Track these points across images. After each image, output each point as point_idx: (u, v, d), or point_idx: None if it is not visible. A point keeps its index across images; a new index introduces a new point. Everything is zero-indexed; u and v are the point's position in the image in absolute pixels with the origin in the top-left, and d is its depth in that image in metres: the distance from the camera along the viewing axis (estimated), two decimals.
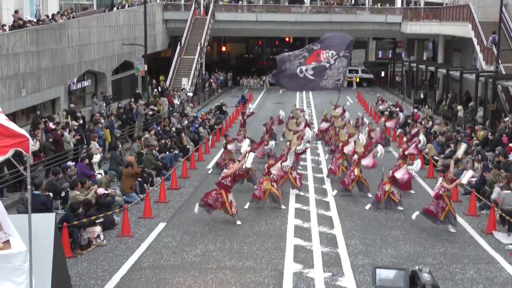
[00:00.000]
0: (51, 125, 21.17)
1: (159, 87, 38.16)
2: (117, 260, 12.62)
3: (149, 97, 34.06)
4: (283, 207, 16.64)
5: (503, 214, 14.73)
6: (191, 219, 15.56)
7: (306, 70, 27.98)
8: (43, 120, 21.87)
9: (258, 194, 16.48)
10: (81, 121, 24.12)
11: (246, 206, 16.62)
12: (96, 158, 19.21)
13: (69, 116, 24.17)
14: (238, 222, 15.15)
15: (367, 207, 16.73)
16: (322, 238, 14.08)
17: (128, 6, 38.61)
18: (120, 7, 37.52)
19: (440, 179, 14.91)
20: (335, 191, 18.23)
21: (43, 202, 13.74)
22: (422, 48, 56.58)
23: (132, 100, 30.93)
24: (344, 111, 28.82)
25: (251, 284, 11.37)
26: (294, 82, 28.71)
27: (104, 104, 30.01)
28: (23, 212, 12.55)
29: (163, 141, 22.86)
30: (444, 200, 14.56)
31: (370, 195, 17.80)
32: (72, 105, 28.97)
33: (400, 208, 16.48)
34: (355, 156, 18.26)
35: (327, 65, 28.19)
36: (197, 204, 15.43)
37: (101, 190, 15.34)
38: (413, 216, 15.00)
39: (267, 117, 28.99)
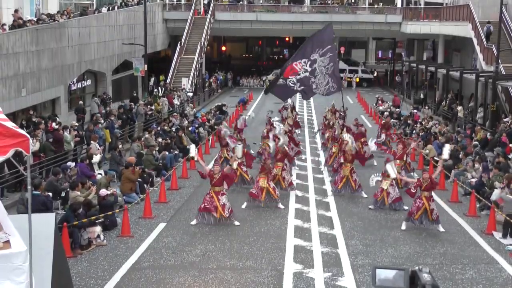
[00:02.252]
0: (54, 125, 21.17)
1: (160, 87, 38.17)
2: (117, 260, 12.63)
3: (148, 97, 34.04)
4: (281, 206, 16.65)
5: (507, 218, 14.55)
6: (191, 220, 15.55)
7: (292, 83, 29.29)
8: (44, 120, 21.88)
9: (256, 193, 16.52)
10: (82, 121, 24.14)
11: (244, 206, 16.64)
12: (96, 158, 19.21)
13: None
14: (236, 223, 15.15)
15: (371, 206, 16.78)
16: (322, 239, 14.08)
17: (118, 8, 38.30)
18: (110, 8, 37.23)
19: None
20: (331, 192, 18.27)
21: (43, 203, 13.74)
22: (422, 48, 56.62)
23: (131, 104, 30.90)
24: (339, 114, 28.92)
25: (251, 284, 11.37)
26: (286, 92, 30.10)
27: (103, 106, 29.93)
28: (23, 212, 12.56)
29: (160, 139, 22.91)
30: (421, 200, 14.66)
31: (365, 195, 17.82)
32: (81, 102, 29.14)
33: (405, 207, 16.41)
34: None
35: (307, 74, 29.03)
36: (195, 219, 15.35)
37: (103, 192, 15.35)
38: (403, 227, 15.03)
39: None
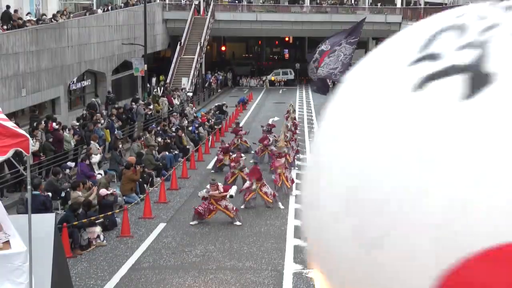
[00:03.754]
0: (54, 125, 21.17)
1: (159, 87, 38.13)
2: (117, 261, 12.62)
3: (148, 98, 34.00)
4: (281, 206, 16.62)
5: None
6: (191, 220, 15.54)
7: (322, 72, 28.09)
8: (43, 120, 21.87)
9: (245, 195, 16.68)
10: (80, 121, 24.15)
11: (243, 206, 16.63)
12: (96, 158, 19.17)
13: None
14: (238, 223, 15.15)
15: None
16: None
17: (113, 9, 37.99)
18: (105, 9, 36.98)
19: None
20: None
21: (42, 203, 13.73)
22: None
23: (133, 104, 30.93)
24: None
25: (251, 285, 11.36)
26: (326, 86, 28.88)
27: (105, 106, 29.99)
28: (23, 213, 12.54)
29: (160, 139, 22.92)
30: None
31: None
32: (93, 99, 29.28)
33: None
34: None
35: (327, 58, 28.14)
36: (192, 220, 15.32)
37: (103, 191, 15.35)
38: None
39: (267, 117, 29.09)
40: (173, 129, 25.79)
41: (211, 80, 49.98)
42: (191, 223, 15.23)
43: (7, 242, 8.05)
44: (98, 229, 13.68)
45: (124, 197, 16.79)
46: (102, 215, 14.31)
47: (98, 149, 20.25)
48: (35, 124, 20.87)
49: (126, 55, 36.82)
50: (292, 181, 18.23)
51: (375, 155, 1.41)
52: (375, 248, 1.26)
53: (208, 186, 15.44)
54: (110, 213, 14.64)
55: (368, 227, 1.27)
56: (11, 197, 16.87)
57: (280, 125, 27.60)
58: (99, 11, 35.53)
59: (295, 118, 29.95)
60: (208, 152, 24.81)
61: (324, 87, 28.61)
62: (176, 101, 35.30)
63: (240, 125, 27.86)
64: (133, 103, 30.32)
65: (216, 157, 21.69)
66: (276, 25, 50.84)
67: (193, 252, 13.17)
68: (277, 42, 70.73)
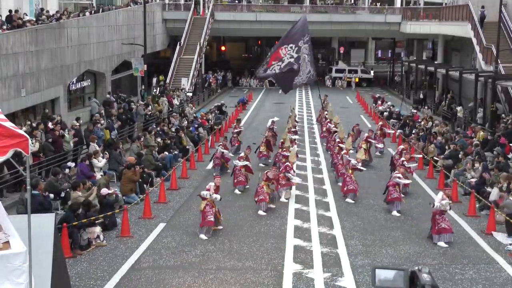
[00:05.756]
0: (49, 125, 21.15)
1: (157, 87, 38.13)
2: (117, 261, 12.62)
3: (148, 98, 33.97)
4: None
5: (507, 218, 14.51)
6: (191, 220, 15.56)
7: (277, 72, 29.71)
8: (43, 121, 21.90)
9: (264, 197, 16.24)
10: (81, 121, 24.15)
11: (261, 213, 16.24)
12: (102, 162, 19.05)
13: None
14: (203, 237, 14.14)
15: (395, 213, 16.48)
16: (322, 239, 14.08)
17: (104, 11, 37.71)
18: (93, 12, 36.65)
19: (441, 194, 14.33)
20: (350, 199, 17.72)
21: (40, 202, 13.72)
22: (421, 48, 56.60)
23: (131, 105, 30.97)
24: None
25: (251, 285, 11.37)
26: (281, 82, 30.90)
27: (116, 103, 30.12)
28: (23, 213, 12.55)
29: (160, 139, 22.92)
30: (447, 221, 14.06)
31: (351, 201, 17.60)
32: (108, 96, 29.44)
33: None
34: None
35: (292, 59, 29.45)
36: (200, 233, 14.25)
37: (104, 191, 15.35)
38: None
39: (267, 118, 29.05)
40: (173, 129, 25.81)
41: (210, 80, 49.99)
42: (203, 238, 14.11)
43: (7, 242, 8.04)
44: (98, 229, 13.68)
45: (124, 197, 16.80)
46: (102, 215, 14.31)
47: (106, 153, 20.02)
48: (36, 124, 20.88)
49: (125, 55, 36.83)
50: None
51: None
52: None
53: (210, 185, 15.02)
54: (110, 213, 14.65)
55: None
56: (11, 197, 16.87)
57: (281, 127, 27.60)
58: (87, 13, 35.14)
59: (295, 120, 30.02)
60: (208, 153, 24.80)
61: (287, 86, 31.05)
62: (175, 101, 35.31)
63: (241, 124, 27.89)
64: (132, 103, 30.38)
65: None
66: (275, 25, 50.82)
67: (193, 252, 13.17)
68: (276, 42, 70.70)
